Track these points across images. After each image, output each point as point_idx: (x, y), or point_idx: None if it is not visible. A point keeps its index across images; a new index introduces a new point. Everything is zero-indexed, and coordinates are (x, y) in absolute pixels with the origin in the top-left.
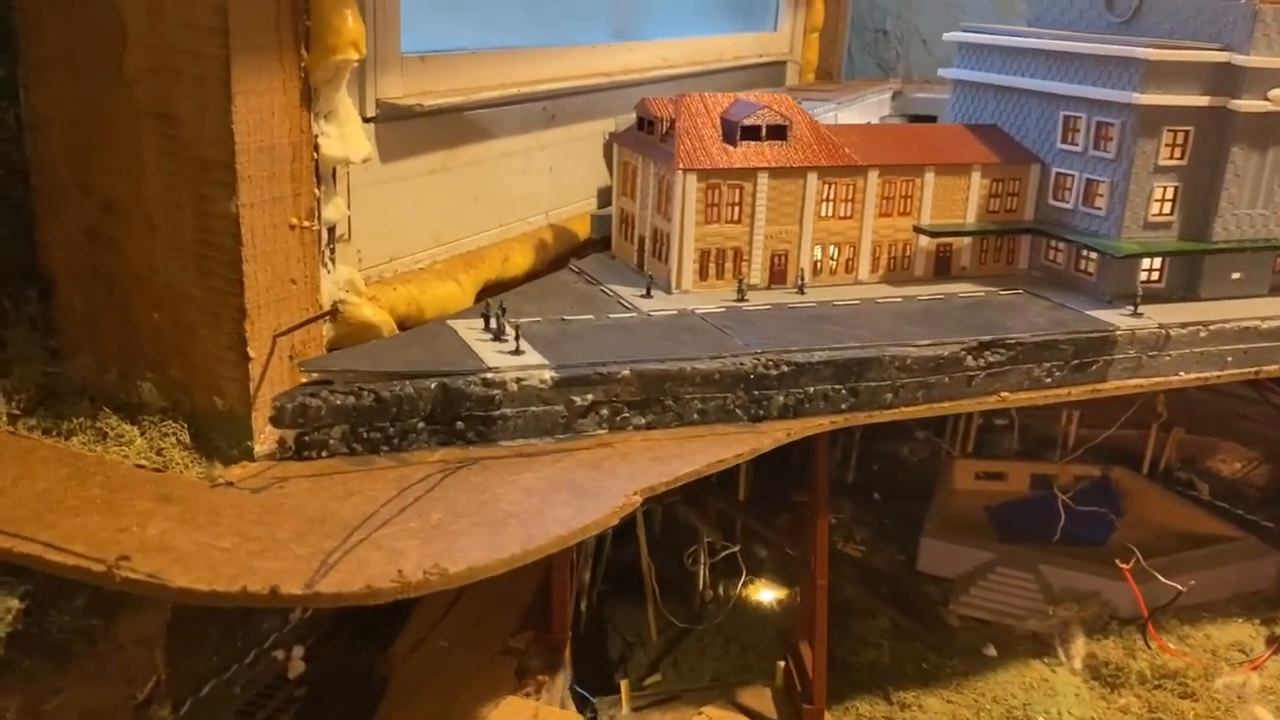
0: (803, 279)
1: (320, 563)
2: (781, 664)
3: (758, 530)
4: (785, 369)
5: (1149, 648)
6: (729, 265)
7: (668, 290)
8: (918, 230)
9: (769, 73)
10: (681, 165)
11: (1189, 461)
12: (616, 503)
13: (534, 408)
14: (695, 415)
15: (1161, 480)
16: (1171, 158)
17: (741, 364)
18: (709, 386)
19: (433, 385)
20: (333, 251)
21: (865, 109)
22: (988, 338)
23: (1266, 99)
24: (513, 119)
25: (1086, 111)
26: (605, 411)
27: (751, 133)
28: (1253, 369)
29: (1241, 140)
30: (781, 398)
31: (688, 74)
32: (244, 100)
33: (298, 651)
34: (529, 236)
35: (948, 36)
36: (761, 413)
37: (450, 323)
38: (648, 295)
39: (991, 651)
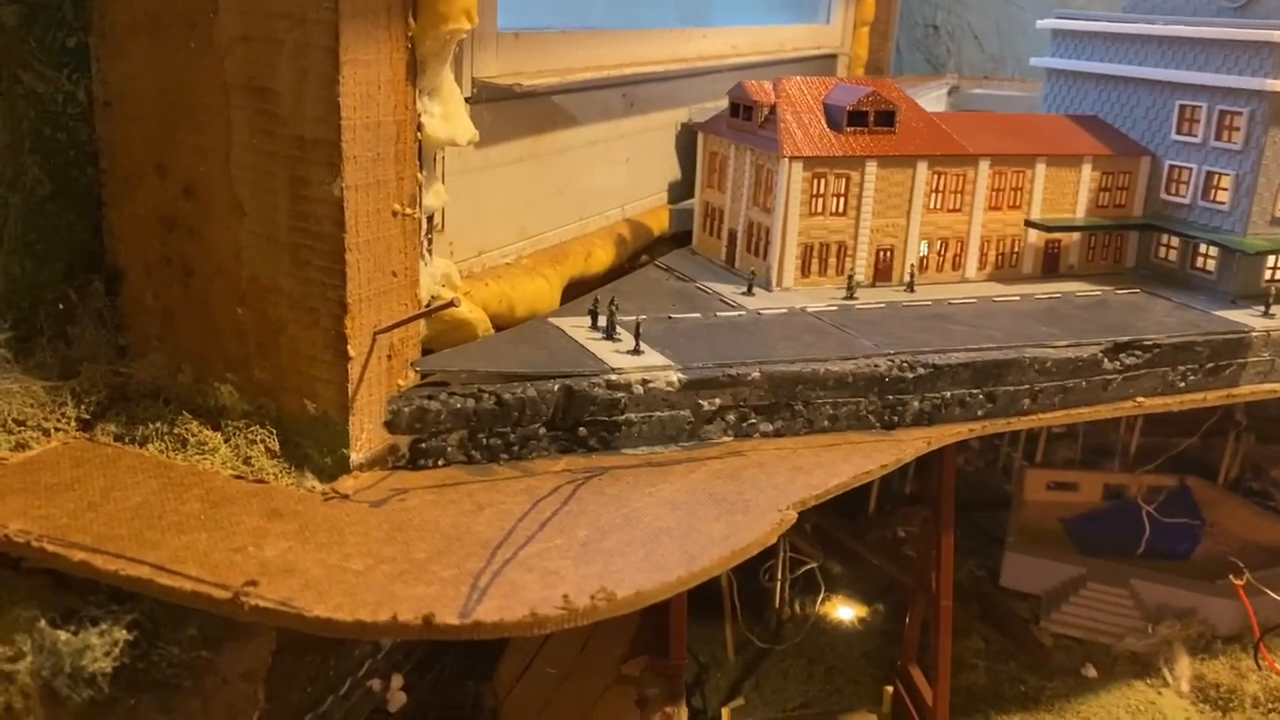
0: (912, 275)
1: (470, 587)
2: (889, 689)
3: (851, 545)
4: (922, 371)
5: (1259, 668)
6: (832, 261)
7: (767, 287)
8: (1029, 224)
9: (820, 66)
10: (787, 152)
11: (1259, 470)
12: (772, 519)
13: (659, 413)
14: (826, 422)
15: (1236, 489)
16: None
17: (876, 366)
18: (842, 390)
19: (555, 387)
20: (430, 242)
21: (924, 105)
22: (1124, 339)
23: None
24: (595, 105)
25: (1207, 100)
26: (732, 417)
27: (859, 119)
28: None
29: None
30: (917, 403)
31: (751, 64)
32: (352, 71)
33: (397, 681)
34: (608, 231)
35: (1041, 24)
36: (896, 419)
37: (553, 320)
38: (750, 293)
39: (1091, 672)
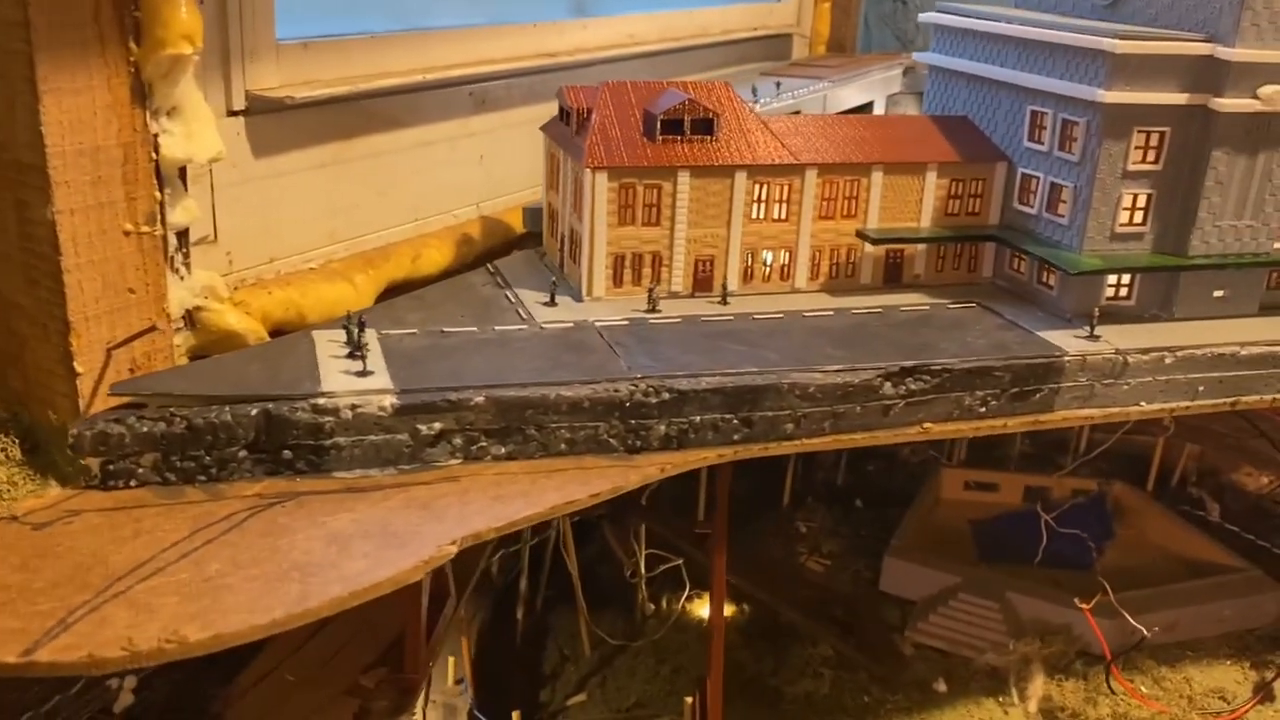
0: (725, 288)
1: (58, 622)
2: (689, 700)
3: (677, 545)
4: (667, 397)
5: (1112, 692)
6: (646, 271)
7: (578, 297)
8: (861, 236)
9: (771, 46)
10: (590, 163)
11: (1208, 475)
12: (425, 554)
13: (373, 437)
14: (563, 445)
15: (1172, 497)
16: (1144, 161)
17: (616, 391)
18: (578, 415)
19: (254, 412)
20: (186, 256)
21: (869, 86)
22: (910, 363)
23: (1255, 97)
24: (429, 106)
25: (1053, 107)
26: (459, 440)
27: (672, 127)
28: (1229, 399)
29: (1225, 143)
30: (663, 428)
31: (666, 50)
32: (55, 100)
33: (129, 682)
34: (451, 231)
35: (923, 18)
36: (640, 443)
37: (317, 333)
38: (552, 303)
39: (942, 687)
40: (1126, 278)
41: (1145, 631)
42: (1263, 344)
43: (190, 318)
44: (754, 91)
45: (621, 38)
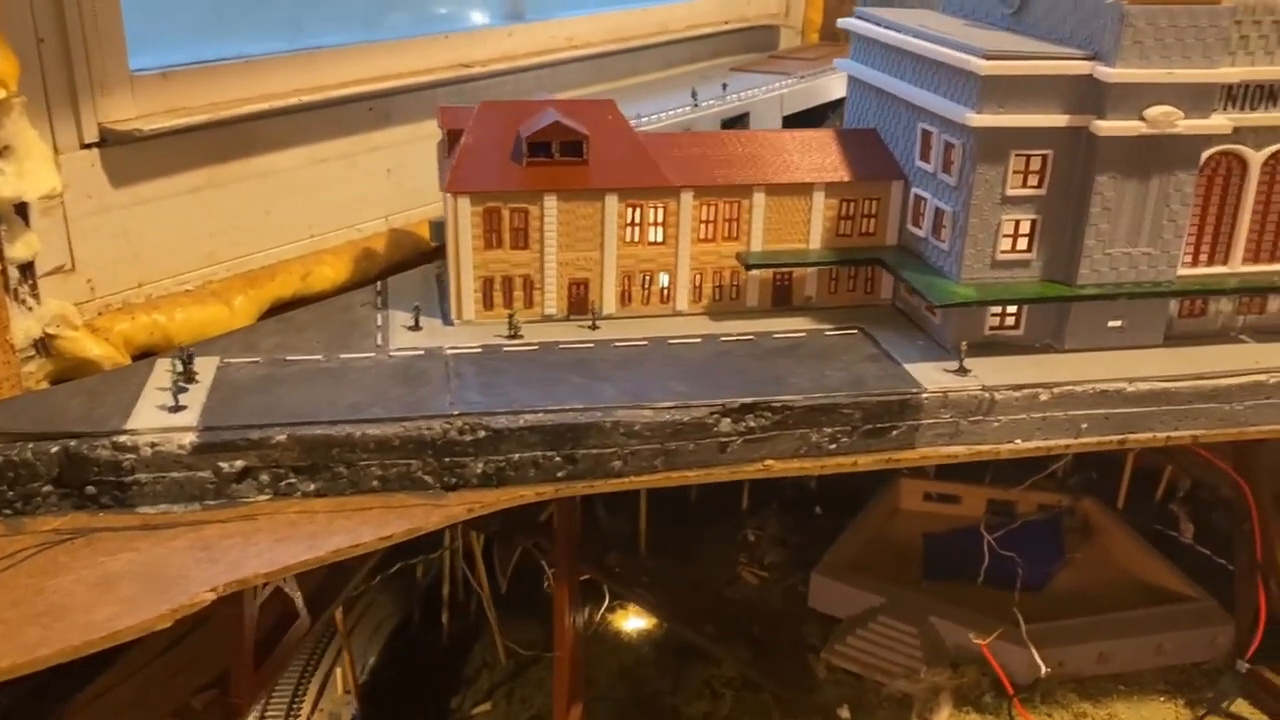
0: (595, 313)
1: None
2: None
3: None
4: (482, 435)
5: None
6: (518, 294)
7: (448, 320)
8: (740, 259)
9: (755, 37)
10: (450, 187)
11: (1193, 493)
12: (177, 602)
13: (174, 474)
14: (375, 483)
15: (1151, 514)
16: (1025, 186)
17: (428, 429)
18: (389, 453)
19: (54, 449)
20: (33, 288)
21: (841, 80)
22: (750, 400)
23: (1141, 119)
24: (319, 124)
25: (937, 127)
26: (265, 477)
27: (540, 149)
28: (1117, 437)
29: (1111, 168)
30: (480, 466)
31: (620, 50)
32: None
33: None
34: (351, 246)
35: (841, 23)
36: (456, 481)
37: (161, 362)
38: (416, 327)
39: (846, 714)
40: (1013, 306)
41: (1043, 670)
42: (1154, 379)
43: (45, 345)
44: (693, 95)
45: (558, 42)
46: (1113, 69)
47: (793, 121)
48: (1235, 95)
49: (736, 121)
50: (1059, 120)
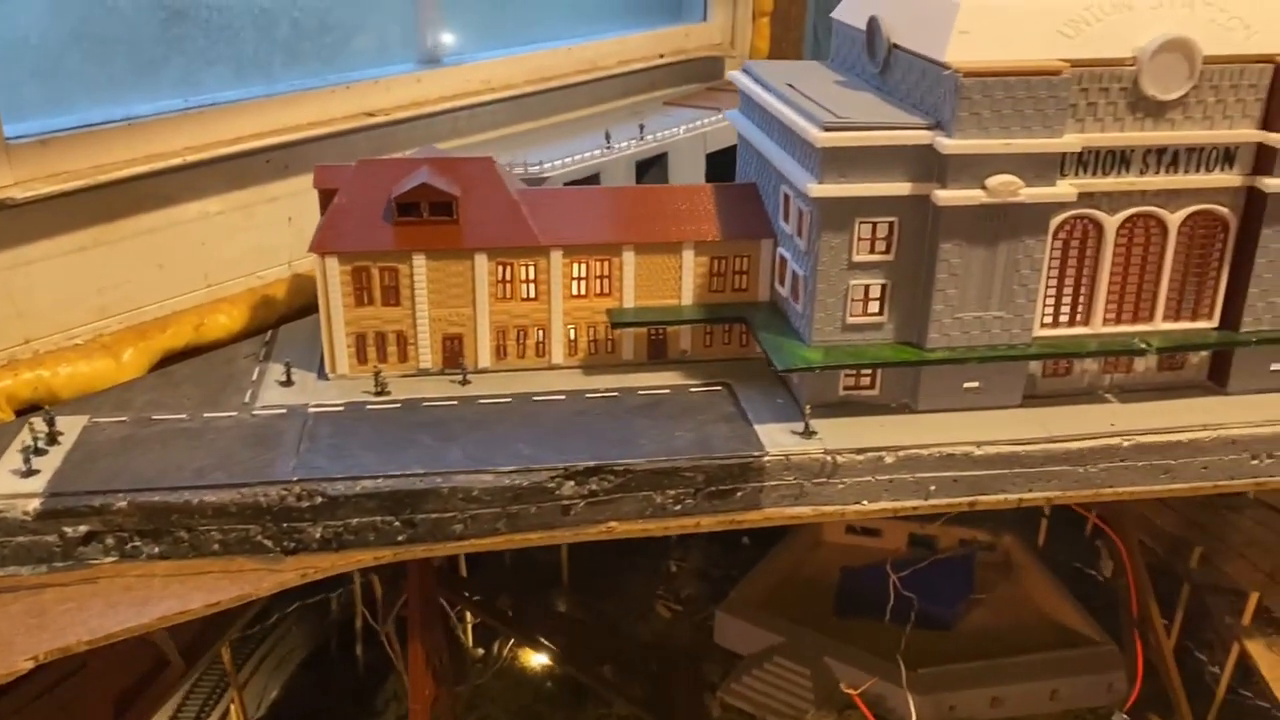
0: (464, 369)
1: None
2: None
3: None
4: (319, 501)
5: None
6: (392, 349)
7: (323, 374)
8: (609, 316)
9: (697, 68)
10: (317, 248)
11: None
12: None
13: (21, 538)
14: (215, 546)
15: (1072, 551)
16: (873, 252)
17: (265, 496)
18: (227, 518)
19: None
20: None
21: None
22: (593, 463)
23: (983, 188)
24: (212, 180)
25: (791, 190)
26: (110, 541)
27: (410, 209)
28: (967, 499)
29: (955, 235)
30: (318, 531)
31: (543, 90)
32: None
33: None
34: (250, 294)
35: (729, 76)
36: (296, 545)
37: (35, 420)
38: (288, 382)
39: None
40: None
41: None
42: (1004, 443)
43: None
44: (606, 137)
45: (474, 85)
46: (950, 140)
47: (719, 159)
48: (1086, 161)
49: (653, 163)
50: (903, 189)
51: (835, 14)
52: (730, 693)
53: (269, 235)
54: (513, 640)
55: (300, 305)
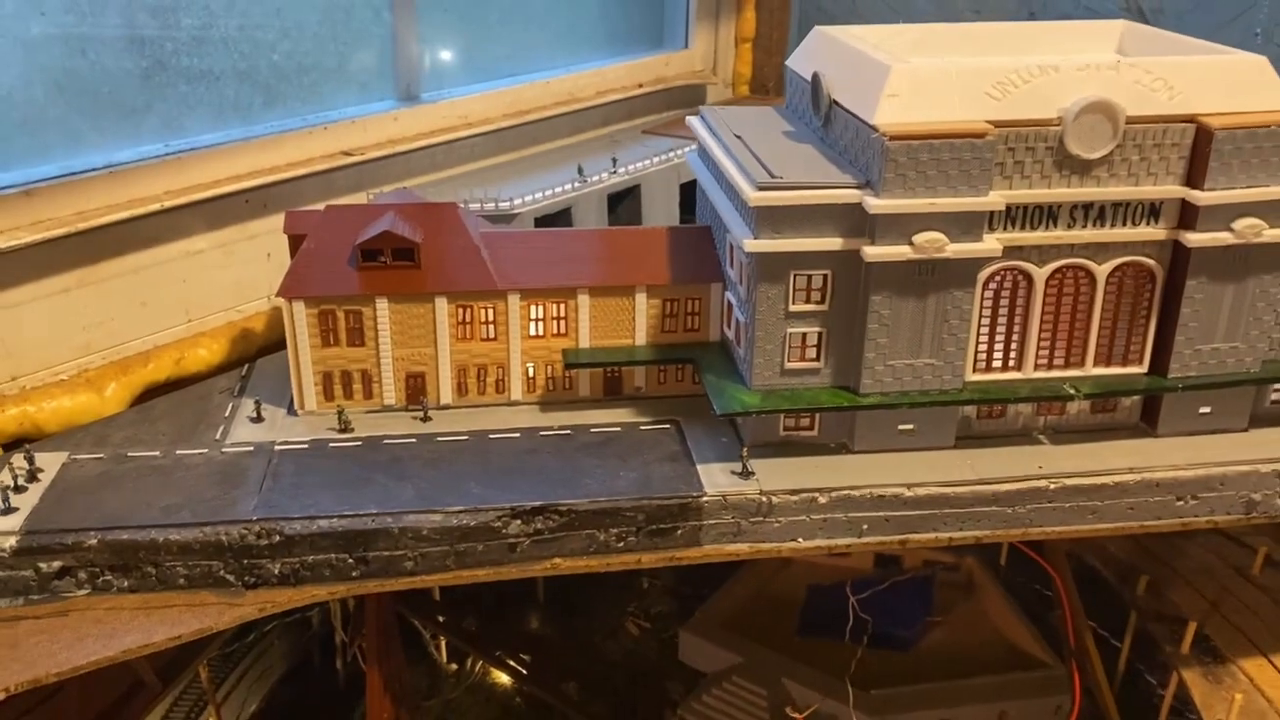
0: (425, 405)
1: None
2: None
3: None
4: (277, 539)
5: None
6: (357, 386)
7: (293, 410)
8: (564, 356)
9: (679, 95)
10: (285, 293)
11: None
12: None
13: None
14: (181, 580)
15: (1045, 571)
16: (808, 302)
17: (227, 534)
18: (190, 555)
19: None
20: None
21: None
22: (539, 503)
23: (910, 244)
24: (192, 220)
25: (734, 241)
26: (83, 575)
27: (373, 255)
28: (898, 537)
29: (885, 288)
30: (277, 567)
31: (523, 123)
32: None
33: None
34: (229, 328)
35: (687, 120)
36: (256, 580)
37: (17, 458)
38: (258, 418)
39: None
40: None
41: None
42: (933, 484)
43: None
44: (579, 171)
45: (451, 122)
46: (878, 200)
47: (693, 188)
48: (1014, 216)
49: (626, 195)
50: (835, 244)
51: (789, 62)
52: (691, 711)
53: (248, 271)
54: (480, 657)
55: (278, 337)
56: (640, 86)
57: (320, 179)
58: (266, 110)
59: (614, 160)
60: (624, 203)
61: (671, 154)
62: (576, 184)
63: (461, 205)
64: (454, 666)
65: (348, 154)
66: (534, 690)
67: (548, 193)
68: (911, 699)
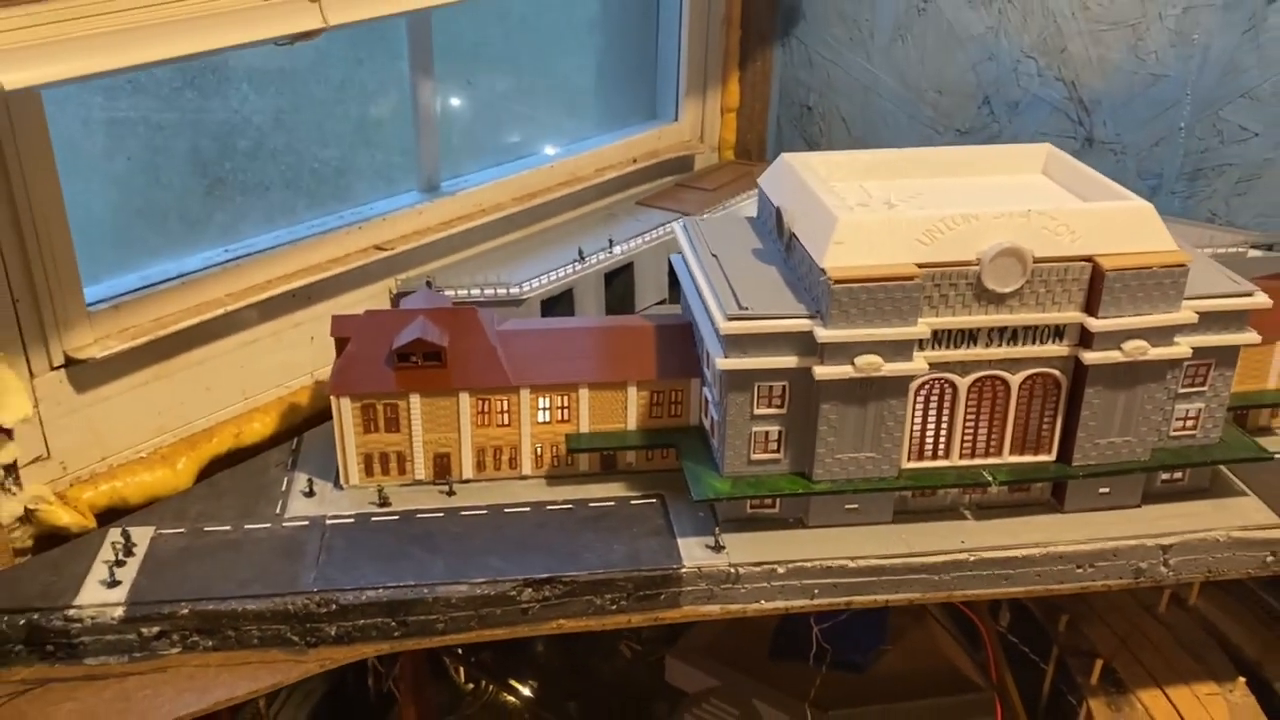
0: (450, 482)
1: None
2: None
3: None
4: (334, 608)
5: None
6: (393, 464)
7: (339, 483)
8: (567, 440)
9: (666, 165)
10: (334, 390)
11: None
12: None
13: (109, 636)
14: (255, 641)
15: (976, 617)
16: (770, 407)
17: (292, 604)
18: (263, 621)
19: (22, 621)
20: (16, 479)
21: (741, 210)
22: (547, 575)
23: (852, 364)
24: (249, 317)
25: (709, 352)
26: (176, 637)
27: (407, 358)
28: (844, 599)
29: (832, 398)
30: (333, 630)
31: (530, 207)
32: None
33: None
34: (279, 402)
35: (671, 225)
36: (316, 640)
37: (113, 531)
38: (310, 493)
39: None
40: None
41: None
42: (873, 557)
43: (27, 516)
44: (579, 253)
45: (468, 209)
46: (825, 330)
47: None
48: (940, 338)
49: (621, 271)
50: (791, 362)
51: (760, 180)
52: None
53: (294, 353)
54: (499, 680)
55: (321, 409)
56: (635, 161)
57: (356, 271)
58: (308, 211)
59: (610, 241)
60: (620, 276)
61: (660, 229)
62: (577, 266)
63: (478, 293)
64: (471, 686)
65: (379, 249)
66: (541, 713)
67: (552, 276)
68: (864, 719)
